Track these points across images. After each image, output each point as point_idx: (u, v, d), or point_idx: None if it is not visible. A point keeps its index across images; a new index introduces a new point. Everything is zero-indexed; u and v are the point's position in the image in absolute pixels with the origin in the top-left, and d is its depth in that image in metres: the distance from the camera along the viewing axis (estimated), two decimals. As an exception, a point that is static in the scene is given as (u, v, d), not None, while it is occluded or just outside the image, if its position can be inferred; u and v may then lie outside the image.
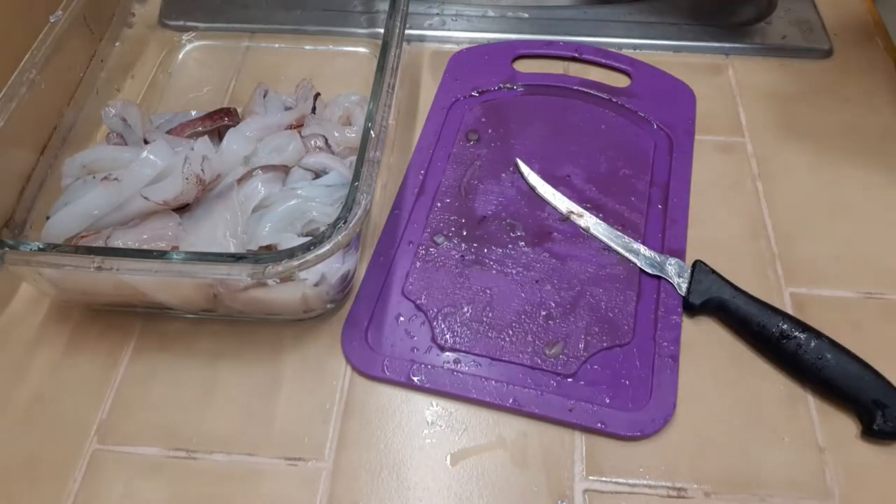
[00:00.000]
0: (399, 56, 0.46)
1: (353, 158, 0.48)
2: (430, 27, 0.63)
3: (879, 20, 0.63)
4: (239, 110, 0.53)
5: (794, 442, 0.39)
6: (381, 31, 0.47)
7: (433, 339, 0.43)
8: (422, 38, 0.63)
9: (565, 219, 0.49)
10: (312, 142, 0.48)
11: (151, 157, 0.42)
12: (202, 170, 0.42)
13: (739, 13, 0.64)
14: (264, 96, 0.53)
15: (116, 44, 0.56)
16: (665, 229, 0.48)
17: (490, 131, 0.55)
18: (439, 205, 0.50)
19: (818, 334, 0.41)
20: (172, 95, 0.59)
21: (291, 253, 0.35)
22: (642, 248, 0.47)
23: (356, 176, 0.38)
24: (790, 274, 0.46)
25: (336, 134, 0.49)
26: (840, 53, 0.60)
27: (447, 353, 0.43)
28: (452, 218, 0.49)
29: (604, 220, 0.49)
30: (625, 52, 0.61)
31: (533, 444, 0.40)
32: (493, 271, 0.46)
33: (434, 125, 0.55)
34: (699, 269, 0.45)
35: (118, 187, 0.42)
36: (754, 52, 0.61)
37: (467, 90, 0.58)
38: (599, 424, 0.39)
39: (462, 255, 0.47)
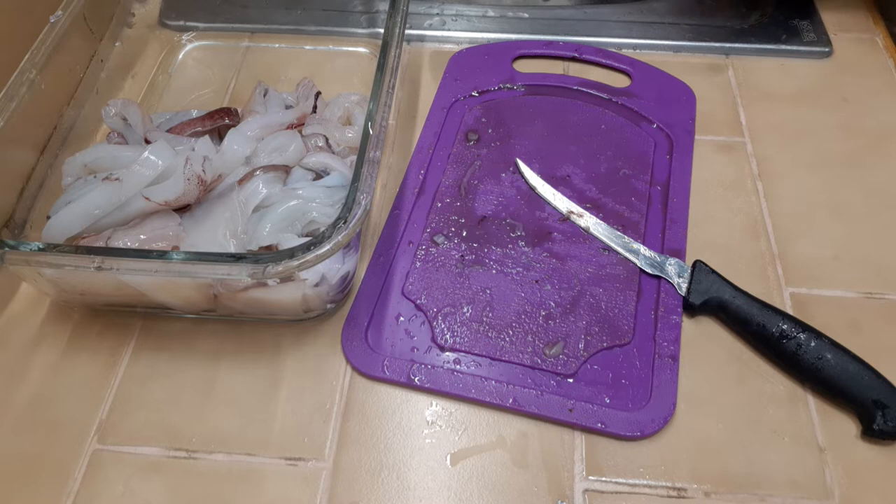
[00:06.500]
0: (399, 56, 0.46)
1: (354, 158, 0.48)
2: (430, 27, 0.63)
3: (880, 20, 0.63)
4: (239, 110, 0.53)
5: (794, 442, 0.40)
6: (381, 31, 0.47)
7: (433, 339, 0.43)
8: (422, 38, 0.63)
9: (565, 219, 0.49)
10: (313, 141, 0.48)
11: (152, 157, 0.42)
12: (203, 170, 0.42)
13: (739, 13, 0.64)
14: (264, 95, 0.53)
15: (116, 44, 0.56)
16: (665, 229, 0.48)
17: (490, 131, 0.55)
18: (439, 205, 0.50)
19: (818, 334, 0.41)
20: (172, 95, 0.59)
21: (291, 253, 0.35)
22: (642, 248, 0.47)
23: (356, 176, 0.38)
24: (790, 274, 0.46)
25: (336, 134, 0.49)
26: (840, 53, 0.60)
27: (447, 353, 0.43)
28: (452, 218, 0.49)
29: (604, 220, 0.49)
30: (625, 52, 0.61)
31: (533, 444, 0.40)
32: (493, 271, 0.46)
33: (434, 125, 0.55)
34: (699, 269, 0.45)
35: (119, 187, 0.42)
36: (754, 52, 0.61)
37: (467, 90, 0.58)
38: (599, 424, 0.39)
39: (462, 255, 0.47)
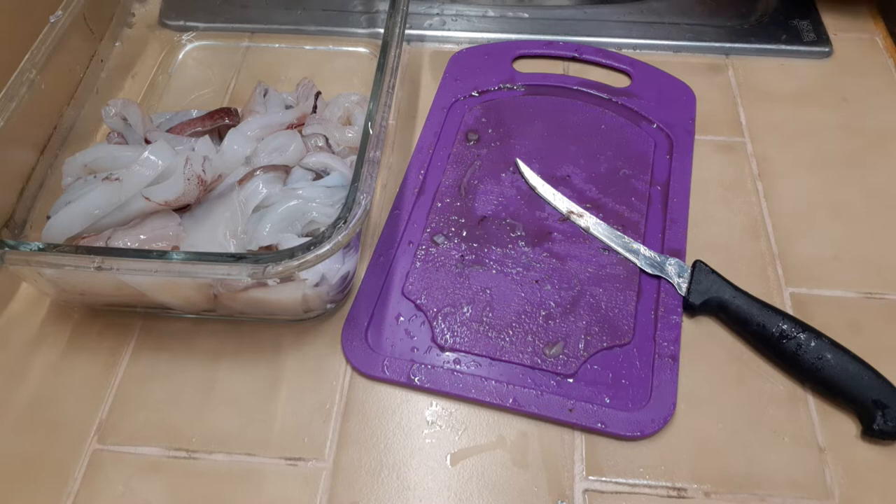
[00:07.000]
0: (399, 56, 0.46)
1: (354, 158, 0.48)
2: (430, 27, 0.63)
3: (880, 20, 0.63)
4: (239, 110, 0.53)
5: (794, 442, 0.40)
6: (381, 31, 0.47)
7: (433, 339, 0.43)
8: (422, 38, 0.63)
9: (565, 219, 0.49)
10: (313, 141, 0.48)
11: (152, 157, 0.42)
12: (203, 170, 0.42)
13: (739, 13, 0.64)
14: (264, 95, 0.53)
15: (116, 44, 0.56)
16: (665, 229, 0.48)
17: (490, 131, 0.55)
18: (439, 205, 0.50)
19: (818, 334, 0.41)
20: (172, 95, 0.59)
21: (291, 253, 0.35)
22: (642, 248, 0.47)
23: (356, 176, 0.39)
24: (790, 274, 0.46)
25: (336, 134, 0.49)
26: (840, 53, 0.60)
27: (447, 353, 0.43)
28: (452, 218, 0.49)
29: (604, 220, 0.49)
30: (625, 52, 0.61)
31: (533, 444, 0.40)
32: (493, 271, 0.46)
33: (434, 125, 0.55)
34: (699, 269, 0.45)
35: (119, 187, 0.42)
36: (754, 52, 0.61)
37: (467, 90, 0.58)
38: (599, 424, 0.39)
39: (462, 255, 0.47)
